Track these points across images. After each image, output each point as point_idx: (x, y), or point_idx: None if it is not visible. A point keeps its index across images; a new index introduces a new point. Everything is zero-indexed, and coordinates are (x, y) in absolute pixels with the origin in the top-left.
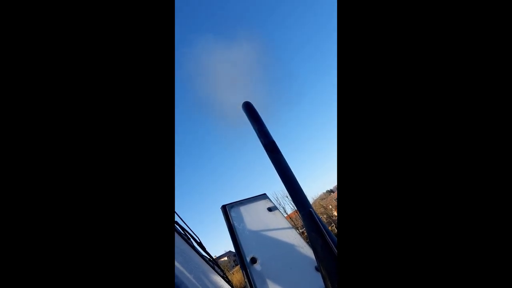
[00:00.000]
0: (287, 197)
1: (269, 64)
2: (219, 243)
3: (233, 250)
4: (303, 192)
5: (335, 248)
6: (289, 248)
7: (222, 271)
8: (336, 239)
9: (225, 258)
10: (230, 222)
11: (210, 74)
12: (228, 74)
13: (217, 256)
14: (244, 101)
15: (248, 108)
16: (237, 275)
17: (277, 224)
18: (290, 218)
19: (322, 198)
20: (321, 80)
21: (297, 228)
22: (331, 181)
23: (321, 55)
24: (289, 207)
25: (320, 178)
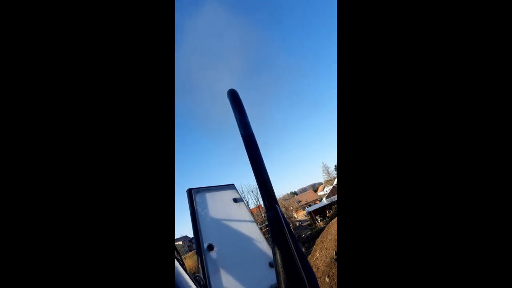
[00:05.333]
0: (252, 191)
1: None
2: (176, 227)
3: (188, 235)
4: (272, 188)
5: (293, 247)
6: (247, 240)
7: (179, 254)
8: (295, 238)
9: (180, 242)
10: (194, 207)
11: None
12: (215, 59)
13: None
14: (229, 88)
15: (233, 96)
16: (189, 261)
17: (240, 215)
18: (252, 213)
19: (285, 198)
20: (290, 82)
21: (257, 223)
22: (296, 184)
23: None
24: (252, 202)
25: (286, 179)
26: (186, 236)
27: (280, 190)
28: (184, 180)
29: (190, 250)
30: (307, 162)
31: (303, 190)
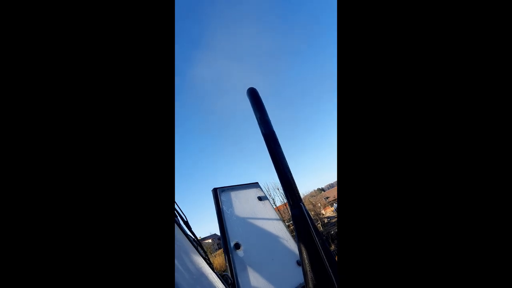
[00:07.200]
0: (278, 189)
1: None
2: (205, 225)
3: (218, 233)
4: (296, 186)
5: (320, 245)
6: (274, 239)
7: (205, 252)
8: (322, 235)
9: (209, 240)
10: (219, 206)
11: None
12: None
13: (201, 237)
14: (249, 87)
15: (253, 95)
16: (218, 258)
17: (265, 214)
18: (278, 210)
19: (312, 195)
20: (318, 79)
21: (284, 221)
22: (323, 180)
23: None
24: (279, 199)
25: (313, 175)
26: (215, 234)
27: (307, 186)
28: (208, 180)
29: (219, 248)
30: (334, 157)
31: (331, 186)
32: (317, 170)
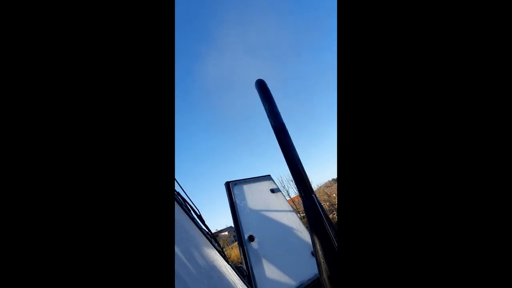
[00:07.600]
0: (291, 180)
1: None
2: (221, 217)
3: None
4: (307, 178)
5: (333, 236)
6: (287, 230)
7: (219, 245)
8: (334, 227)
9: (226, 233)
10: (232, 199)
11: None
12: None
13: (218, 230)
14: (257, 78)
15: (261, 87)
16: (235, 250)
17: (278, 206)
18: (293, 202)
19: (327, 185)
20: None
21: (298, 212)
22: None
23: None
24: (293, 191)
25: (327, 165)
26: (231, 227)
27: (322, 177)
28: (220, 174)
29: (236, 240)
30: None
31: None
32: (332, 160)
